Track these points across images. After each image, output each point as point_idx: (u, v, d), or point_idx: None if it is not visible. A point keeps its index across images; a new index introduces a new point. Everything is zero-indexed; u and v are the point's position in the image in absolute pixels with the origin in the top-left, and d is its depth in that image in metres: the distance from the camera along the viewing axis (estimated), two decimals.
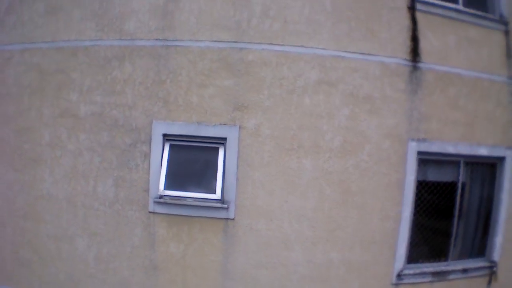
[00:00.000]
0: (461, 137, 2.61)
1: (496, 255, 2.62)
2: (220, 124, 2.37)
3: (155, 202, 2.36)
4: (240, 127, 2.36)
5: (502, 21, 2.79)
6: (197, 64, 2.41)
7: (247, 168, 2.36)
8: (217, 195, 2.30)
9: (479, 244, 2.68)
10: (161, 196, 2.34)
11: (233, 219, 2.34)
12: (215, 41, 2.42)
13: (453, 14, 2.65)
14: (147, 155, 2.40)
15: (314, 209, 2.37)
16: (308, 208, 2.37)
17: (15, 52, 2.70)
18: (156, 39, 2.47)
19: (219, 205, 2.30)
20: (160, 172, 2.37)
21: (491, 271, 2.63)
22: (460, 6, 2.68)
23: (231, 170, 2.34)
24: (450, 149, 2.54)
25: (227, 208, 2.32)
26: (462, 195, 2.61)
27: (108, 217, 2.44)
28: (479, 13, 2.71)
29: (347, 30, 2.45)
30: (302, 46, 2.41)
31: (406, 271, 2.45)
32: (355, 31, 2.46)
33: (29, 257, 2.59)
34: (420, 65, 2.55)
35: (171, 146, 2.39)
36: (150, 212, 2.39)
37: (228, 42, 2.41)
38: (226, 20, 2.43)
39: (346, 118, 2.41)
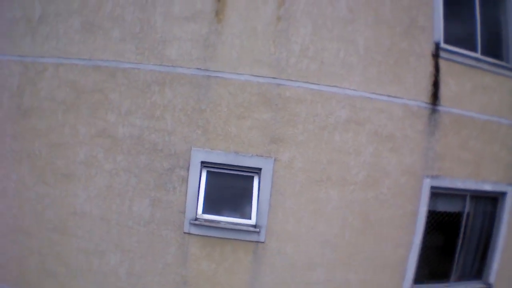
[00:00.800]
0: (469, 175, 3.02)
1: (492, 278, 3.12)
2: (257, 155, 2.63)
3: (190, 223, 2.62)
4: (275, 159, 2.64)
5: None
6: (237, 96, 2.64)
7: (279, 196, 2.65)
8: (252, 220, 2.58)
9: (478, 268, 3.17)
10: (197, 219, 2.59)
11: (263, 242, 2.64)
12: (255, 75, 2.66)
13: (472, 62, 3.02)
14: (184, 180, 2.64)
15: (336, 235, 2.71)
16: (331, 234, 2.71)
17: (49, 65, 2.82)
18: (198, 68, 2.67)
19: (251, 229, 2.59)
20: (197, 196, 2.62)
21: None
22: (479, 55, 3.03)
23: (265, 198, 2.62)
24: (459, 184, 2.95)
25: (258, 232, 2.61)
26: (466, 224, 3.07)
27: (142, 235, 2.67)
28: (496, 61, 3.08)
29: (376, 73, 2.75)
30: (335, 86, 2.70)
31: None
32: (384, 75, 2.77)
33: (56, 268, 2.79)
34: (439, 108, 2.90)
35: (208, 173, 2.64)
36: (185, 232, 2.64)
37: (267, 77, 2.66)
38: (266, 56, 2.67)
39: (370, 155, 2.74)
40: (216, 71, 2.66)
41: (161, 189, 2.66)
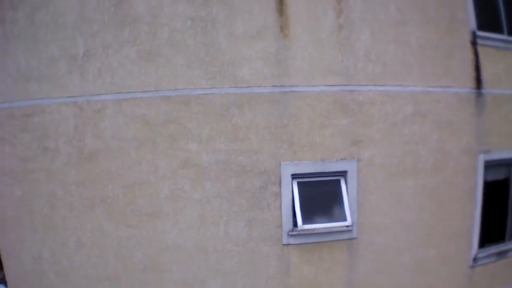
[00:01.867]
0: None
1: None
2: (341, 159, 2.94)
3: (289, 235, 2.89)
4: (357, 160, 2.96)
5: None
6: (316, 107, 2.90)
7: (365, 193, 3.00)
8: (347, 221, 2.91)
9: None
10: (294, 229, 2.86)
11: (356, 238, 3.00)
12: (329, 85, 2.93)
13: (501, 44, 3.54)
14: (277, 195, 2.88)
15: (416, 219, 3.16)
16: (411, 219, 3.14)
17: (108, 102, 2.85)
18: (273, 86, 2.88)
19: (344, 228, 2.93)
20: (292, 208, 2.88)
21: None
22: (506, 36, 3.54)
23: (353, 197, 2.96)
24: (505, 155, 3.51)
25: (351, 230, 2.95)
26: None
27: (242, 256, 2.89)
28: None
29: (430, 68, 3.17)
30: (399, 85, 3.07)
31: (479, 255, 3.42)
32: (436, 68, 3.19)
33: None
34: (482, 90, 3.39)
35: (298, 184, 2.90)
36: (284, 244, 2.91)
37: (340, 85, 2.95)
38: (335, 65, 2.95)
39: (435, 142, 3.18)
40: (291, 85, 2.89)
41: (255, 208, 2.87)
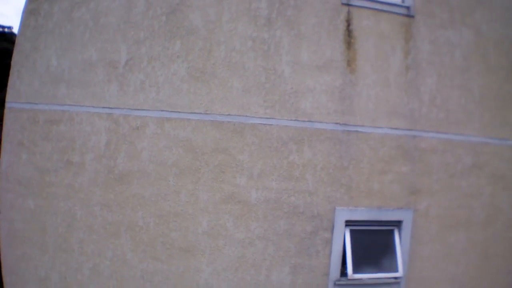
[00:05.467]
0: None
1: None
2: (398, 208, 3.17)
3: (335, 284, 3.06)
4: (414, 210, 3.21)
5: None
6: (378, 150, 3.13)
7: (417, 245, 3.25)
8: (399, 273, 3.14)
9: None
10: (340, 279, 3.05)
11: None
12: (393, 128, 3.17)
13: None
14: (328, 241, 3.05)
15: (462, 274, 3.45)
16: (458, 273, 3.43)
17: (149, 120, 2.90)
18: (336, 123, 3.07)
19: (393, 280, 3.15)
20: (341, 256, 3.06)
21: None
22: None
23: (404, 248, 3.20)
24: None
25: (399, 283, 3.19)
26: None
27: None
28: None
29: (489, 118, 3.51)
30: (460, 134, 3.37)
31: None
32: (495, 119, 3.54)
33: None
34: None
35: (351, 231, 3.10)
36: None
37: (404, 129, 3.20)
38: (401, 107, 3.20)
39: (489, 196, 3.51)
40: (355, 125, 3.10)
41: (303, 254, 3.02)
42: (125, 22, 2.96)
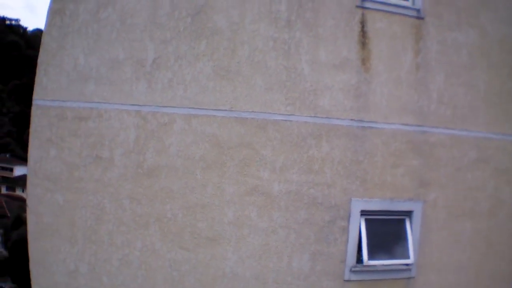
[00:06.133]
0: None
1: None
2: (409, 199, 3.48)
3: (351, 271, 3.36)
4: (423, 201, 3.53)
5: None
6: (390, 145, 3.43)
7: (426, 234, 3.57)
8: (411, 259, 3.45)
9: None
10: (356, 265, 3.35)
11: (413, 277, 3.55)
12: (404, 124, 3.47)
13: None
14: (345, 230, 3.34)
15: (468, 260, 3.78)
16: (464, 259, 3.76)
17: (177, 117, 3.15)
18: (352, 119, 3.35)
19: (404, 267, 3.47)
20: (357, 244, 3.36)
21: None
22: None
23: (415, 237, 3.52)
24: None
25: (410, 269, 3.51)
26: None
27: None
28: None
29: (493, 114, 3.83)
30: (466, 129, 3.69)
31: None
32: (498, 115, 3.86)
33: None
34: None
35: (366, 220, 3.40)
36: (345, 280, 3.37)
37: (414, 125, 3.50)
38: (411, 104, 3.50)
39: (492, 188, 3.84)
40: (369, 121, 3.39)
41: (322, 242, 3.31)
42: (152, 22, 3.18)
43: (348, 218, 3.36)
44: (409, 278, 3.55)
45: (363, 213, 3.40)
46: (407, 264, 3.50)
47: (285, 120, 3.26)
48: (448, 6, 3.82)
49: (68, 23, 3.15)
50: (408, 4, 3.73)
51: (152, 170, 3.13)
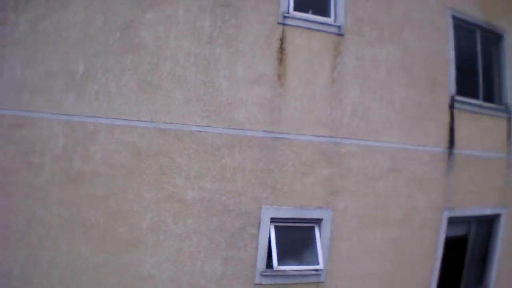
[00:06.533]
0: (475, 203, 5.34)
1: (492, 285, 5.76)
2: (318, 207, 4.22)
3: (261, 275, 4.20)
4: (333, 209, 4.28)
5: (507, 110, 5.67)
6: (301, 155, 4.25)
7: (336, 241, 4.45)
8: (320, 265, 4.28)
9: (480, 277, 5.78)
10: (266, 270, 4.08)
11: (323, 282, 4.33)
12: (316, 135, 4.25)
13: (477, 109, 5.49)
14: (255, 236, 4.17)
15: (379, 268, 4.77)
16: (376, 267, 4.70)
17: (102, 127, 3.96)
18: (265, 131, 4.14)
19: (314, 272, 4.24)
20: (267, 250, 4.15)
21: None
22: (481, 102, 5.36)
23: (325, 243, 4.39)
24: (468, 212, 5.37)
25: (320, 274, 4.26)
26: (471, 243, 5.53)
27: None
28: (493, 106, 5.45)
29: (409, 126, 4.71)
30: (379, 141, 4.60)
31: None
32: (415, 127, 4.76)
33: None
34: (454, 151, 4.96)
35: (275, 227, 4.19)
36: (256, 284, 4.21)
37: (326, 137, 4.34)
38: (324, 117, 4.34)
39: (405, 197, 4.77)
40: (281, 132, 4.29)
41: (232, 248, 4.16)
42: (84, 36, 4.05)
43: (258, 225, 4.25)
44: (318, 283, 4.43)
45: (273, 220, 4.32)
46: (316, 270, 4.42)
47: (201, 131, 4.08)
48: (371, 23, 4.81)
49: (9, 33, 3.82)
50: (330, 21, 4.70)
51: (77, 176, 4.03)
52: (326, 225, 4.48)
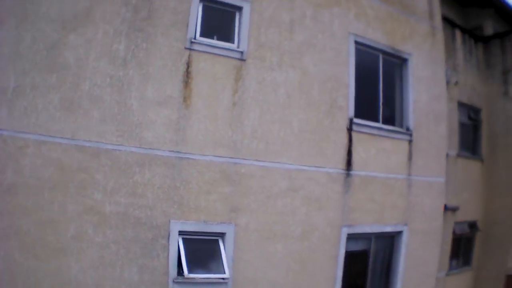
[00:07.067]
0: (375, 220, 11.16)
1: None
2: (221, 222, 9.42)
3: (174, 282, 9.15)
4: (235, 225, 9.50)
5: (408, 133, 11.53)
6: (204, 174, 9.36)
7: (239, 252, 9.63)
8: (226, 274, 9.42)
9: None
10: (177, 277, 9.09)
11: None
12: (217, 156, 9.47)
13: (375, 131, 11.23)
14: (166, 247, 9.12)
15: (283, 278, 10.12)
16: (279, 277, 10.06)
17: (30, 142, 8.55)
18: (171, 151, 9.16)
19: (221, 280, 9.40)
20: (178, 259, 9.13)
21: None
22: (380, 124, 11.08)
23: (229, 255, 9.56)
24: (367, 229, 11.20)
25: (227, 283, 9.44)
26: (372, 257, 11.42)
27: None
28: (392, 128, 11.26)
29: (307, 148, 10.20)
30: (277, 162, 9.96)
31: None
32: (312, 149, 10.25)
33: None
34: (351, 172, 10.64)
35: (183, 239, 9.19)
36: None
37: (227, 157, 9.57)
38: (225, 139, 9.56)
39: (303, 215, 10.20)
40: (186, 152, 9.28)
41: (147, 257, 9.02)
42: (15, 53, 8.45)
43: (168, 237, 9.13)
44: None
45: (181, 233, 9.24)
46: (223, 278, 9.42)
47: (115, 150, 8.87)
48: (272, 49, 10.11)
49: None
50: (233, 46, 9.85)
51: (10, 188, 8.39)
52: (229, 238, 9.53)
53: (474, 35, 18.24)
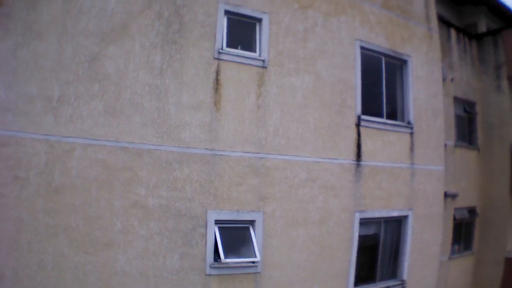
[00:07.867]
0: (383, 206, 12.29)
1: (404, 275, 13.17)
2: (251, 211, 10.55)
3: (211, 267, 10.27)
4: (263, 212, 10.63)
5: (409, 126, 12.81)
6: (235, 168, 10.56)
7: (267, 238, 10.83)
8: (257, 258, 10.61)
9: (393, 269, 12.95)
10: (214, 263, 10.21)
11: (259, 272, 10.67)
12: (246, 152, 10.63)
13: (380, 126, 12.44)
14: (204, 235, 10.27)
15: (304, 260, 11.32)
16: (301, 259, 11.28)
17: (77, 145, 9.69)
18: (206, 149, 10.27)
19: (251, 264, 10.55)
20: (214, 246, 10.27)
21: (402, 286, 13.18)
22: (384, 119, 12.33)
23: (259, 240, 10.70)
24: (377, 214, 12.30)
25: (256, 266, 10.58)
26: (382, 240, 12.54)
27: (175, 282, 10.17)
28: (395, 122, 12.52)
29: (322, 143, 11.43)
30: (297, 155, 11.17)
31: None
32: (326, 144, 11.49)
33: None
34: (361, 162, 11.83)
35: (219, 228, 10.30)
36: (206, 275, 10.29)
37: (253, 153, 10.70)
38: (252, 137, 10.76)
39: (321, 202, 11.43)
40: (219, 150, 10.48)
41: (187, 245, 10.17)
42: (58, 64, 9.58)
43: (205, 226, 10.29)
44: (256, 273, 10.62)
45: (217, 222, 10.41)
46: (253, 262, 10.65)
47: (156, 149, 9.98)
48: (289, 56, 11.35)
49: None
50: (255, 55, 11.10)
51: (58, 188, 9.53)
52: (259, 225, 10.80)
53: (468, 33, 19.58)
